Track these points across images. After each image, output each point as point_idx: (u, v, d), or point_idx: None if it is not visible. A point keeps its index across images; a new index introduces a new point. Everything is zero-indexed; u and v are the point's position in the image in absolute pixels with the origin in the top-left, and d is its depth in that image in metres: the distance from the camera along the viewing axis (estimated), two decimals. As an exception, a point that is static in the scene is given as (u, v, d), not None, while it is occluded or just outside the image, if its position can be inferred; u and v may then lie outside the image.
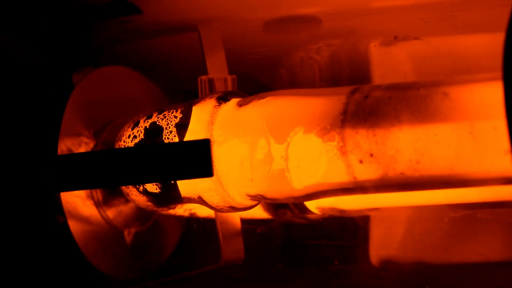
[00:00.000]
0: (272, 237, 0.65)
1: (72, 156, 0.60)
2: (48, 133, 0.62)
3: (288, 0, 0.62)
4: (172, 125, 0.56)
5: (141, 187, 0.58)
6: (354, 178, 0.50)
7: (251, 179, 0.53)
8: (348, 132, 0.50)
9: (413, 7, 0.59)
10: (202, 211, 0.62)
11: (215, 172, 0.54)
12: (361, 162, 0.50)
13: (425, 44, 0.59)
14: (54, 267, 0.63)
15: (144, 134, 0.57)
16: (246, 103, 0.55)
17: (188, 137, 0.55)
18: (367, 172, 0.50)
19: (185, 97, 0.62)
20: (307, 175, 0.52)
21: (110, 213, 0.64)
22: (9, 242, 0.63)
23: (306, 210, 0.59)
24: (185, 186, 0.56)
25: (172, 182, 0.56)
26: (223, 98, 0.56)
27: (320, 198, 0.53)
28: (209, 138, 0.54)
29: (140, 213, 0.65)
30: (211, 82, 0.60)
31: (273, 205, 0.60)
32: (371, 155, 0.49)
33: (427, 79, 0.50)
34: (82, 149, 0.63)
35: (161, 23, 0.65)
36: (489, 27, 0.57)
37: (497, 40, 0.45)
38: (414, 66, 0.61)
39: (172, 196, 0.57)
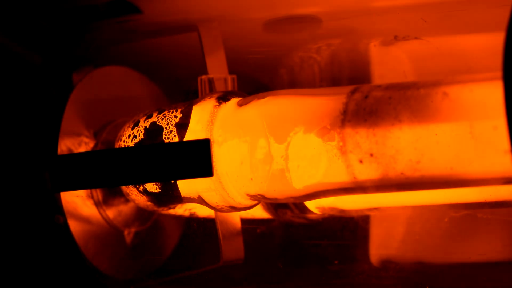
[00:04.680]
0: (272, 237, 0.65)
1: (72, 156, 0.60)
2: (48, 133, 0.62)
3: (288, 0, 0.62)
4: (172, 124, 0.56)
5: (141, 187, 0.58)
6: (354, 178, 0.50)
7: (251, 179, 0.53)
8: (348, 132, 0.50)
9: (413, 7, 0.59)
10: (202, 211, 0.62)
11: (215, 172, 0.54)
12: (361, 162, 0.50)
13: (425, 44, 0.59)
14: (54, 267, 0.63)
15: (144, 134, 0.57)
16: (246, 103, 0.55)
17: (188, 137, 0.55)
18: (367, 172, 0.50)
19: (185, 97, 0.62)
20: (307, 175, 0.51)
21: (110, 213, 0.64)
22: (9, 242, 0.63)
23: (306, 210, 0.59)
24: (185, 186, 0.56)
25: (172, 182, 0.56)
26: (223, 98, 0.56)
27: (320, 198, 0.53)
28: (209, 138, 0.54)
29: (140, 213, 0.65)
30: (211, 82, 0.60)
31: (273, 205, 0.60)
32: (371, 155, 0.49)
33: (427, 79, 0.50)
34: (82, 149, 0.63)
35: (161, 23, 0.65)
36: (489, 27, 0.57)
37: (497, 40, 0.45)
38: (414, 66, 0.61)
39: (172, 196, 0.57)
